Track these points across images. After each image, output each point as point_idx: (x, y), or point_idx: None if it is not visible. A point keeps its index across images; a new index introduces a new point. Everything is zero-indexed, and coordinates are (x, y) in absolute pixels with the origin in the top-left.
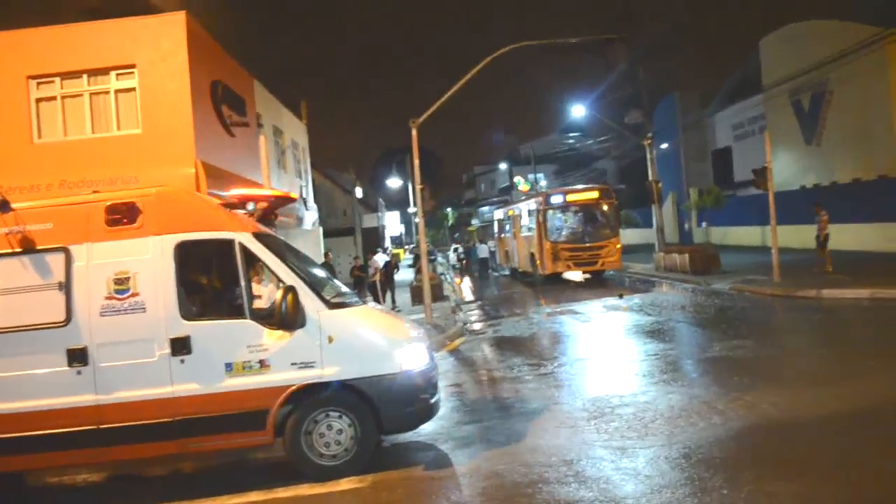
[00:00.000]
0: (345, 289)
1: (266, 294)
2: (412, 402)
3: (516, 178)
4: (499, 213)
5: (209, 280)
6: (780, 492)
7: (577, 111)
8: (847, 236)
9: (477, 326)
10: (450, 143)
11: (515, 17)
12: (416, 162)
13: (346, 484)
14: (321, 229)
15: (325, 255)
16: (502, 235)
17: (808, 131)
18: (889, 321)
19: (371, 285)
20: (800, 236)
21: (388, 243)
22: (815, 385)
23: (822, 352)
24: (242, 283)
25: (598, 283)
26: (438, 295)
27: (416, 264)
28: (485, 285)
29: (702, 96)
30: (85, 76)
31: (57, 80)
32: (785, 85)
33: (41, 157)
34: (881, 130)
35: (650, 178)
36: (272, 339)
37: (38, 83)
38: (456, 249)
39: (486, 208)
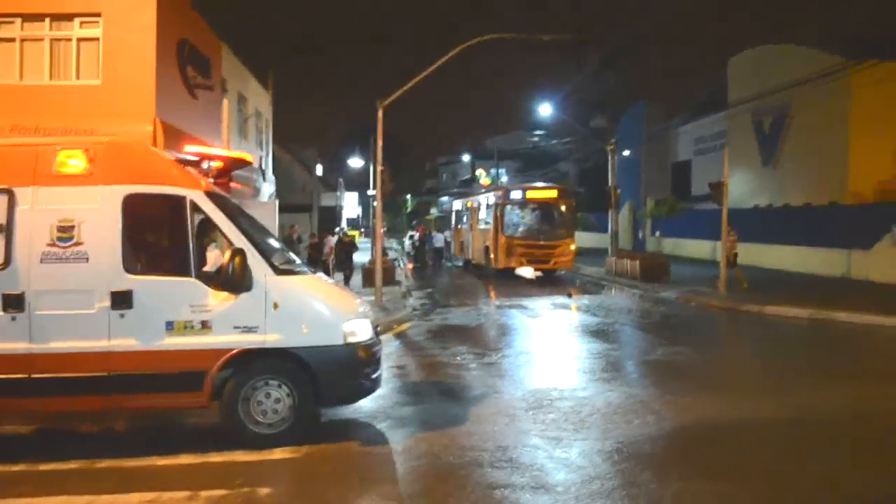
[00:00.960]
0: (295, 258)
1: (212, 259)
2: (353, 375)
3: (478, 171)
4: (457, 204)
5: (156, 236)
6: (705, 490)
7: (544, 109)
8: (794, 258)
9: (426, 313)
10: (415, 132)
11: (491, 9)
12: (380, 143)
13: (279, 453)
14: (277, 202)
15: (291, 228)
16: (459, 226)
17: (766, 152)
18: (822, 340)
19: (324, 263)
20: (747, 253)
21: (344, 224)
22: (749, 395)
23: (758, 364)
24: (190, 241)
25: (549, 282)
26: (390, 279)
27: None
28: (437, 274)
29: (668, 108)
30: (48, 20)
31: (18, 21)
32: (748, 104)
33: None
34: (836, 158)
35: (610, 183)
36: (216, 301)
37: None
38: (411, 236)
39: (445, 198)
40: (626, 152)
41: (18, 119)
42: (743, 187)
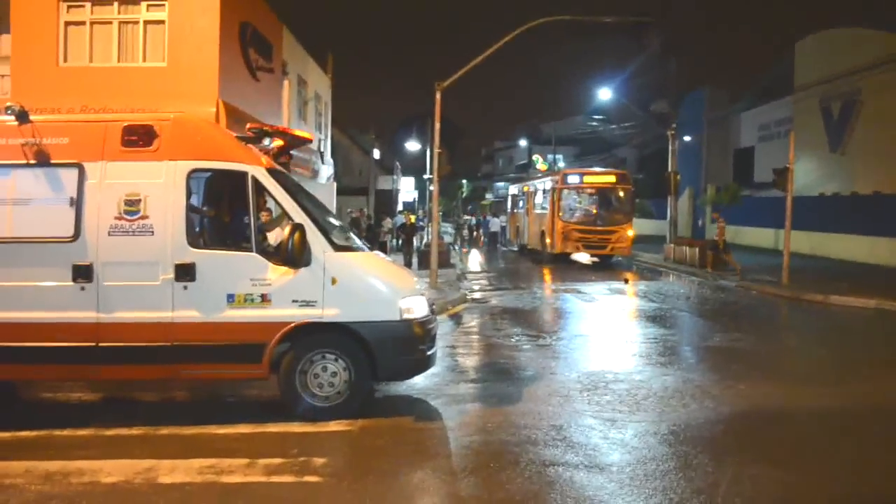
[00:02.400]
0: (353, 235)
1: (272, 239)
2: (409, 351)
3: (535, 157)
4: (513, 189)
5: (219, 210)
6: (763, 475)
7: (604, 94)
8: (862, 248)
9: (480, 295)
10: (472, 117)
11: None
12: (437, 125)
13: (335, 426)
14: (335, 185)
15: (360, 211)
16: (515, 211)
17: (834, 139)
18: (888, 331)
19: (381, 244)
20: (811, 242)
21: (400, 207)
22: (810, 383)
23: (821, 353)
24: (251, 216)
25: (605, 267)
26: (445, 262)
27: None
28: (492, 258)
29: (730, 93)
30: (116, 4)
31: (88, 5)
32: (816, 89)
33: (65, 81)
34: None
35: (669, 169)
36: (276, 275)
37: (69, 6)
38: (467, 220)
39: (501, 184)
40: (687, 138)
41: (87, 100)
42: (809, 174)
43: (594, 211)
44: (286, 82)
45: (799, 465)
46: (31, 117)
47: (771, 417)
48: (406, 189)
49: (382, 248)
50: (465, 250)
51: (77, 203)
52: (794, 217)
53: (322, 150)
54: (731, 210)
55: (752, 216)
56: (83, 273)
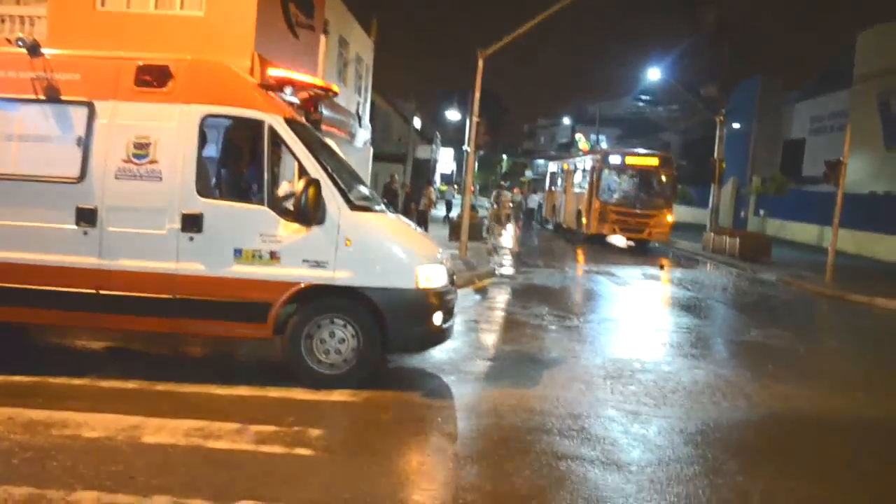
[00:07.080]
0: (374, 195)
1: (284, 190)
2: (423, 322)
3: (577, 136)
4: (552, 166)
5: (232, 160)
6: (801, 491)
7: (653, 74)
8: None
9: (509, 271)
10: (517, 95)
11: None
12: (478, 94)
13: (338, 395)
14: (372, 150)
15: (391, 177)
16: (552, 189)
17: (890, 135)
18: None
19: (420, 213)
20: (857, 242)
21: (437, 177)
22: (852, 389)
23: (863, 357)
24: (266, 168)
25: (641, 252)
26: (476, 235)
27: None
28: (526, 235)
29: (784, 82)
30: None
31: None
32: (874, 82)
33: (101, 26)
34: None
35: (715, 156)
36: (287, 232)
37: None
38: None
39: (541, 161)
40: (736, 125)
41: (122, 46)
42: (861, 171)
43: (634, 193)
44: (323, 37)
45: (841, 482)
46: (43, 50)
47: (810, 424)
48: (445, 160)
49: (422, 218)
50: (498, 225)
51: (84, 143)
52: (841, 214)
53: (361, 113)
54: (776, 203)
55: (798, 211)
56: (87, 217)
